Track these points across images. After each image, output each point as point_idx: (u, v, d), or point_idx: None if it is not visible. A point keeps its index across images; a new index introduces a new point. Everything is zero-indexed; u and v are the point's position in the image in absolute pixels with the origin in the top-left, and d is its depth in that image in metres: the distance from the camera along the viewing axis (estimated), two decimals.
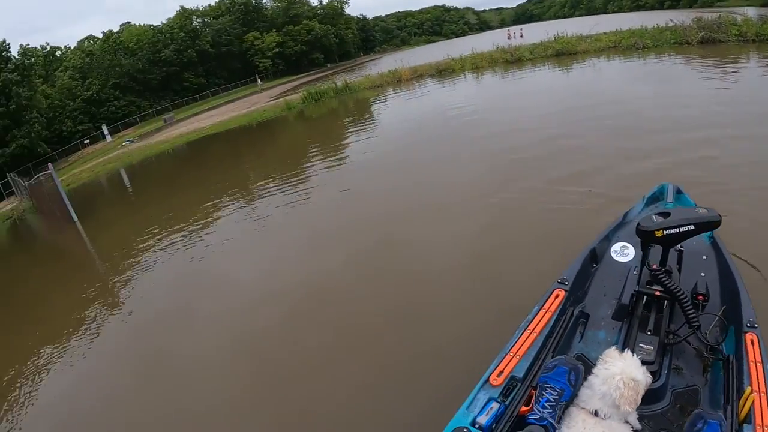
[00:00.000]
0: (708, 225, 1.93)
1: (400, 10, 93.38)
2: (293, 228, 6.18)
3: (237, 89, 43.49)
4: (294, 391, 3.02)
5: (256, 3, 52.78)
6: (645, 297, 2.04)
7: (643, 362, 1.71)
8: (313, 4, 58.79)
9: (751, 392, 1.58)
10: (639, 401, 1.55)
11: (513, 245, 4.05)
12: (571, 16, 71.25)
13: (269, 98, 27.10)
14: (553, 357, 1.79)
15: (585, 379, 1.64)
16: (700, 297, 2.07)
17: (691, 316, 1.86)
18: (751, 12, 23.80)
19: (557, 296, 2.04)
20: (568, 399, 1.60)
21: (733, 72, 9.57)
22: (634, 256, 2.38)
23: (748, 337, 1.82)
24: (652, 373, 1.75)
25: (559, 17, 75.97)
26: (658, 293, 1.98)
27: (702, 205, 2.03)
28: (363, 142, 10.19)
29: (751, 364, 1.70)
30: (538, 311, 1.97)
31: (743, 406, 1.58)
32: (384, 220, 5.44)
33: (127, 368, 3.91)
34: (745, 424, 1.52)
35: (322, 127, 14.90)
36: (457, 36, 79.60)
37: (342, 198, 6.89)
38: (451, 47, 24.54)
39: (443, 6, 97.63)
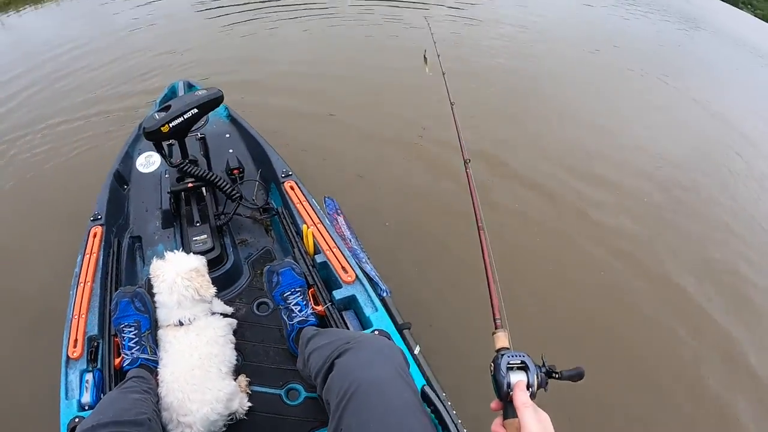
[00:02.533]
0: (211, 103, 1.89)
1: None
2: None
3: None
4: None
5: None
6: (182, 194, 2.00)
7: (204, 252, 1.73)
8: None
9: (308, 227, 1.79)
10: (210, 282, 1.49)
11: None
12: None
13: None
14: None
15: (154, 300, 1.48)
16: (236, 171, 2.15)
17: (229, 190, 1.92)
18: None
19: (95, 235, 1.83)
20: (150, 327, 1.47)
21: None
22: (162, 162, 2.23)
23: (287, 185, 2.01)
24: (219, 258, 1.79)
25: None
26: (191, 185, 1.96)
27: (205, 87, 1.99)
28: None
29: (298, 205, 1.91)
30: (82, 260, 1.73)
31: (308, 242, 1.76)
32: None
33: None
34: (316, 255, 1.72)
35: None
36: None
37: None
38: None
39: None
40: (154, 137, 1.79)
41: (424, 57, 2.76)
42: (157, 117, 1.79)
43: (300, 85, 4.62)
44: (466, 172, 1.51)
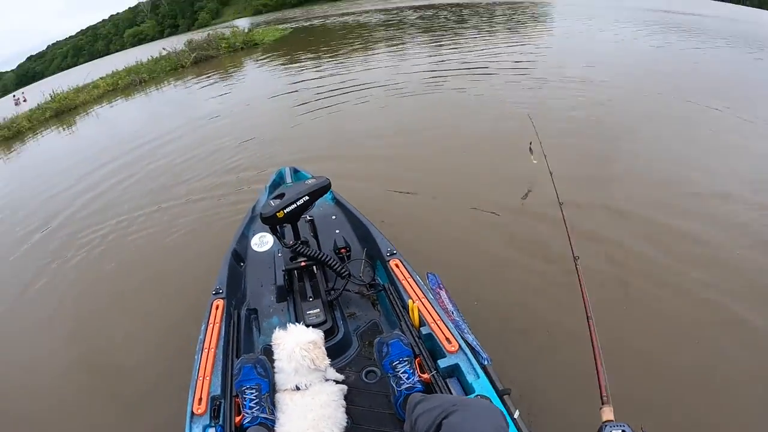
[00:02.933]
0: (321, 190, 2.13)
1: None
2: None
3: None
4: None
5: None
6: (295, 271, 2.20)
7: (317, 325, 1.89)
8: None
9: (414, 302, 1.88)
10: (325, 354, 1.67)
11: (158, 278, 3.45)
12: (76, 65, 63.77)
13: None
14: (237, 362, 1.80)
15: (273, 366, 1.67)
16: (343, 250, 2.35)
17: (338, 269, 2.09)
18: (243, 23, 30.91)
19: (217, 307, 2.04)
20: (269, 390, 1.62)
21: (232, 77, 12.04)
22: (275, 242, 2.50)
23: (393, 262, 2.13)
24: (330, 329, 1.94)
25: (63, 69, 67.81)
26: (303, 263, 2.16)
27: (315, 175, 2.28)
28: None
29: (404, 282, 2.02)
30: (206, 328, 1.95)
31: (413, 316, 1.85)
32: None
33: None
34: (421, 328, 1.82)
35: None
36: None
37: None
38: None
39: None
40: (270, 222, 2.04)
41: (530, 149, 3.10)
42: (273, 204, 2.04)
43: (387, 160, 4.72)
44: (576, 268, 1.66)
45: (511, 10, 17.38)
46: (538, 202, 3.48)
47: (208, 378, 1.70)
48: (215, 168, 5.33)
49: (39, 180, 6.84)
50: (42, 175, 7.13)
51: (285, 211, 2.00)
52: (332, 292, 2.12)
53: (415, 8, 23.37)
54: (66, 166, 7.22)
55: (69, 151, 8.57)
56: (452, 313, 1.96)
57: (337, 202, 2.81)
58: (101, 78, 16.70)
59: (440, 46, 11.00)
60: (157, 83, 14.49)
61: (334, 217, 2.70)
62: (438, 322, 1.80)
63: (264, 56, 14.95)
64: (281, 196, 2.06)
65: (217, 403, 1.62)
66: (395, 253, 2.19)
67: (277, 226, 2.11)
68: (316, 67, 10.94)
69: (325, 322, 1.94)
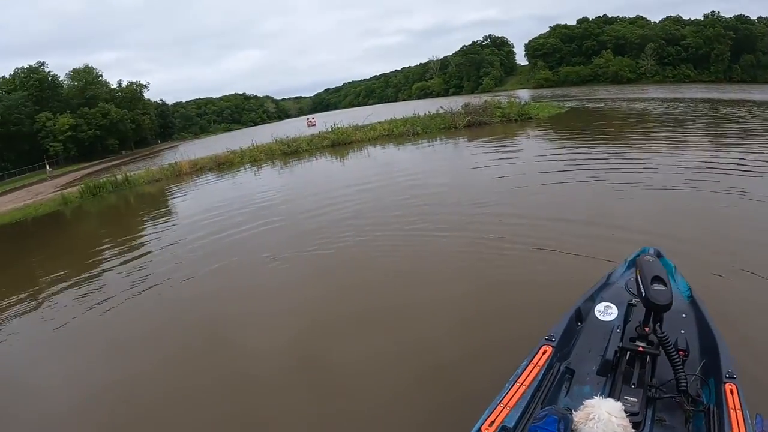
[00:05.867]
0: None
1: (201, 97, 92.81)
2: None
3: (24, 175, 35.68)
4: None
5: (52, 80, 46.59)
6: (628, 353, 2.07)
7: (629, 414, 1.73)
8: (111, 86, 53.34)
9: None
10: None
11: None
12: (365, 104, 73.94)
13: (55, 188, 21.46)
14: (542, 409, 1.76)
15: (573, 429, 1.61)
16: (681, 352, 2.13)
17: (680, 372, 1.91)
18: (524, 94, 29.93)
19: (545, 352, 2.07)
20: None
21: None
22: (617, 315, 2.41)
23: (728, 387, 1.90)
24: (637, 424, 1.78)
25: (354, 105, 78.93)
26: (642, 349, 2.02)
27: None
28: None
29: (731, 411, 1.78)
30: (527, 365, 1.98)
31: None
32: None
33: None
34: None
35: (106, 224, 11.65)
36: (256, 124, 77.68)
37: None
38: (245, 137, 22.85)
39: (243, 94, 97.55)
40: (660, 309, 1.96)
41: None
42: (662, 289, 1.95)
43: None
44: None
45: None
46: None
47: (508, 408, 1.77)
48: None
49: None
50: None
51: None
52: (656, 390, 1.93)
53: (709, 101, 20.49)
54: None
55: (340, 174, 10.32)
56: None
57: (693, 302, 2.59)
58: (379, 122, 19.11)
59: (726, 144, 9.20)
60: (429, 137, 15.45)
61: (684, 315, 2.48)
62: None
63: (537, 130, 14.46)
64: (661, 281, 1.97)
65: None
66: (734, 378, 1.92)
67: (659, 315, 2.00)
68: (592, 147, 10.17)
69: (637, 414, 1.80)
